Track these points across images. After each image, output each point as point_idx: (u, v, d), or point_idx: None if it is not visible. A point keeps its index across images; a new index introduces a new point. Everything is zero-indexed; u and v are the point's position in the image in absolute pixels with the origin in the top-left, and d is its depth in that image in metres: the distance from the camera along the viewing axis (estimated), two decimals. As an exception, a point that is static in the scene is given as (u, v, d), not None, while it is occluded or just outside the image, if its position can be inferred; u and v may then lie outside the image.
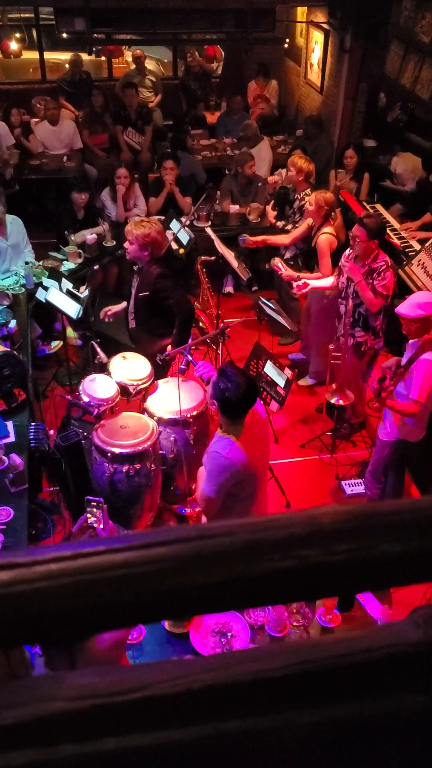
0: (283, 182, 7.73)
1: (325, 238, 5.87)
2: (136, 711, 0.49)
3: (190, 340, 5.11)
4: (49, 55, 10.90)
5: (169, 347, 5.16)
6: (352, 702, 0.53)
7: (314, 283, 5.81)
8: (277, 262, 6.28)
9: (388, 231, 7.06)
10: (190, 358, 4.71)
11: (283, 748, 0.53)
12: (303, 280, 5.80)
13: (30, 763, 0.49)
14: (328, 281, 5.80)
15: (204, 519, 3.76)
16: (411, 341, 4.47)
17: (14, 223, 6.47)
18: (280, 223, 7.07)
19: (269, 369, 5.06)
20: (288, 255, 6.82)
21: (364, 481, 5.25)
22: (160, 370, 5.13)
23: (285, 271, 6.15)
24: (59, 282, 6.09)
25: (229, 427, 3.52)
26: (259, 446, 3.64)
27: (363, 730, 0.53)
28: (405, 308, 4.41)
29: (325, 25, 9.06)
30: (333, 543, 0.50)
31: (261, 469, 3.79)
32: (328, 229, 5.90)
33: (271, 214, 7.38)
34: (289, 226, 6.87)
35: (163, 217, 6.84)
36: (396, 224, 7.20)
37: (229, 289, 7.84)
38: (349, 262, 5.39)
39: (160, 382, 4.97)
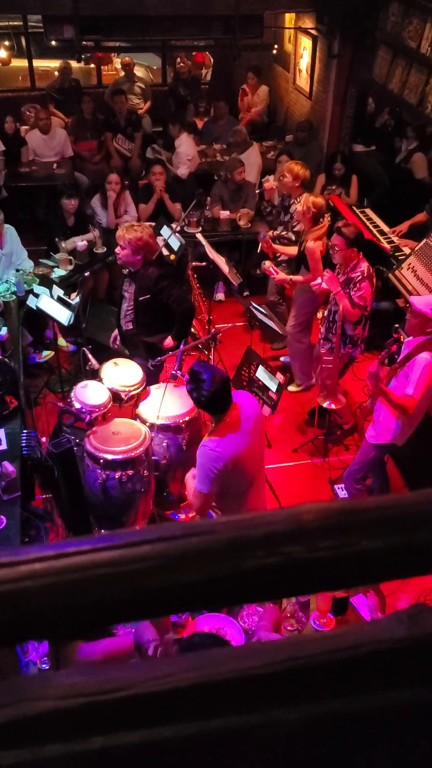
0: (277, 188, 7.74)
1: (313, 244, 5.87)
2: (123, 709, 0.50)
3: (182, 345, 5.12)
4: (38, 63, 10.88)
5: (168, 340, 5.16)
6: (338, 698, 0.53)
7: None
8: (268, 266, 6.26)
9: (377, 234, 7.08)
10: (177, 372, 4.72)
11: (271, 745, 0.53)
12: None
13: (18, 763, 0.49)
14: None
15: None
16: (407, 339, 4.50)
17: (8, 232, 6.46)
18: (275, 232, 7.04)
19: (261, 374, 5.07)
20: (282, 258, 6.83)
21: (344, 485, 5.23)
22: (151, 376, 5.13)
23: (277, 275, 6.16)
24: (50, 289, 6.09)
25: (218, 422, 3.54)
26: (250, 440, 3.60)
27: (349, 726, 0.54)
28: (419, 301, 4.49)
29: (313, 31, 9.10)
30: (316, 539, 0.51)
31: (254, 465, 3.75)
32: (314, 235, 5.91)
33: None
34: (287, 232, 6.87)
35: (154, 224, 6.84)
36: (386, 228, 7.22)
37: (220, 296, 7.84)
38: (328, 271, 5.39)
39: (152, 387, 4.97)
